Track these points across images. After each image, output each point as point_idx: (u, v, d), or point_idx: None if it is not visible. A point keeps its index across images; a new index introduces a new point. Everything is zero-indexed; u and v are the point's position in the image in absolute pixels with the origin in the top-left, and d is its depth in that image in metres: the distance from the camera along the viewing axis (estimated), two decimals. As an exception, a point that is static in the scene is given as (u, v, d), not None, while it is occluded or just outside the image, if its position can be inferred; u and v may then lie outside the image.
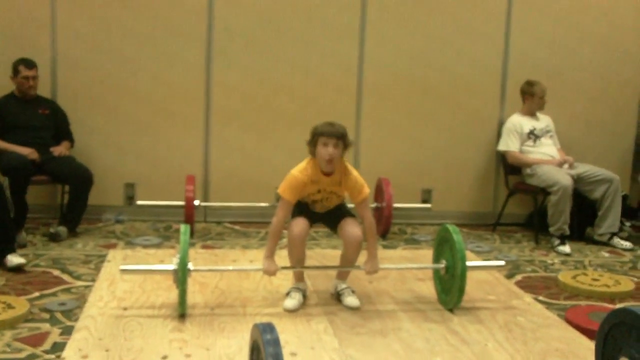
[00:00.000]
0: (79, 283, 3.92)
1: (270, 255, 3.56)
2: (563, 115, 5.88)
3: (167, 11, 5.49)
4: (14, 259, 4.05)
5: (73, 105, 5.43)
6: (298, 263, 3.66)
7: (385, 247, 5.04)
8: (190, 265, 3.42)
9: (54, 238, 4.80)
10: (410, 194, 5.77)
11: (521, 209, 5.93)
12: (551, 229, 5.18)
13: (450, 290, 3.65)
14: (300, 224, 3.57)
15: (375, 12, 5.68)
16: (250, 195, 5.51)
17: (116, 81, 5.50)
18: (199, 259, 4.38)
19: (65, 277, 4.03)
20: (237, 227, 5.52)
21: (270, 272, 3.58)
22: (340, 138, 3.48)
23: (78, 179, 4.95)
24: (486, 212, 5.99)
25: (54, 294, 3.72)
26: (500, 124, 5.85)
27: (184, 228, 3.48)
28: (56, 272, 4.10)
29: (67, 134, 5.32)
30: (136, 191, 5.57)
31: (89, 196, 5.00)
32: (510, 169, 5.70)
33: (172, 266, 3.41)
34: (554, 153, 5.54)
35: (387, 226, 5.28)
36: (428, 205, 5.70)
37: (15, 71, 5.04)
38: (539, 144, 5.55)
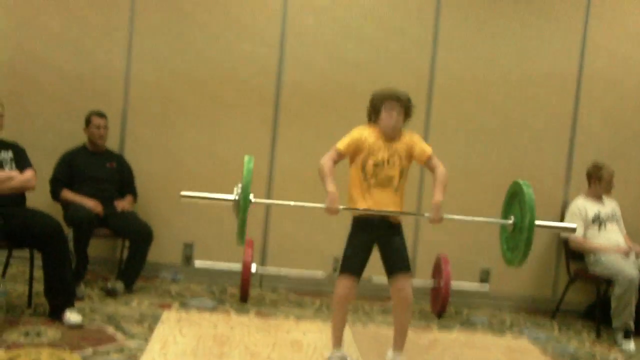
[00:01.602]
0: (132, 343, 3.92)
1: (333, 189, 3.48)
2: (629, 199, 5.76)
3: (236, 68, 5.60)
4: (71, 317, 4.08)
5: (139, 159, 5.55)
6: (340, 325, 3.65)
7: (440, 327, 4.93)
8: (252, 197, 3.49)
9: (111, 293, 4.84)
10: (468, 273, 5.68)
11: (582, 297, 5.76)
12: (615, 323, 4.98)
13: (517, 245, 3.56)
14: (346, 284, 3.55)
15: (441, 88, 5.71)
16: (307, 262, 5.49)
17: (182, 136, 5.60)
18: (252, 327, 4.37)
19: (119, 335, 4.03)
20: (292, 295, 5.49)
21: (332, 211, 3.50)
22: (406, 103, 3.51)
23: (138, 236, 5.01)
24: (545, 298, 5.84)
25: (106, 352, 3.72)
26: (564, 205, 5.74)
27: (247, 158, 3.54)
28: (110, 330, 4.11)
29: (131, 189, 5.42)
30: (194, 251, 5.61)
31: (147, 253, 5.05)
32: (573, 255, 5.55)
33: (233, 196, 3.50)
34: (620, 240, 5.39)
35: (443, 306, 5.18)
36: (486, 288, 5.58)
37: (88, 121, 5.21)
38: (603, 230, 5.41)
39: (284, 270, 5.31)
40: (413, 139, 3.62)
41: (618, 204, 5.59)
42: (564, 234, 5.50)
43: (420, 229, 5.72)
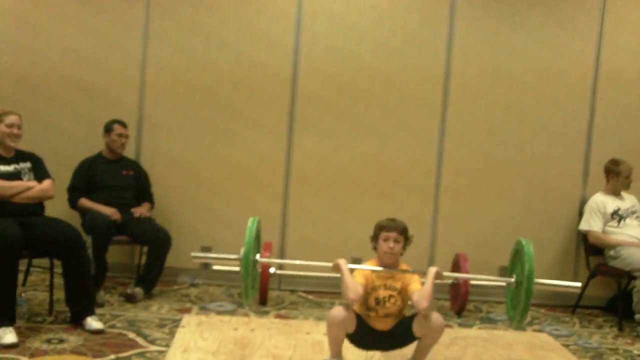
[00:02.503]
0: (153, 348, 3.93)
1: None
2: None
3: (250, 77, 5.61)
4: (92, 323, 4.11)
5: (155, 166, 5.57)
6: (337, 341, 3.56)
7: (460, 325, 4.92)
8: (258, 257, 3.59)
9: (130, 299, 4.86)
10: (487, 271, 5.62)
11: (603, 291, 5.73)
12: (637, 317, 4.95)
13: (518, 303, 3.56)
14: (343, 312, 3.47)
15: (457, 87, 5.69)
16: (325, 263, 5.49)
17: (197, 144, 5.62)
18: (272, 329, 4.37)
19: (140, 340, 4.04)
20: (310, 296, 5.49)
21: (336, 265, 3.58)
22: (402, 233, 3.56)
23: (156, 241, 5.01)
24: (565, 293, 5.78)
25: (128, 358, 3.73)
26: (582, 202, 5.71)
27: (251, 220, 3.62)
28: (131, 335, 4.13)
29: (148, 196, 5.44)
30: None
31: (166, 258, 5.06)
32: (592, 250, 5.52)
33: (238, 256, 3.56)
34: (640, 235, 5.36)
35: (463, 303, 5.16)
36: (504, 283, 5.54)
37: (109, 129, 5.23)
38: (623, 225, 5.38)
39: (303, 272, 5.31)
40: (412, 279, 3.58)
41: (638, 199, 5.56)
42: (582, 227, 5.46)
43: (438, 227, 5.70)
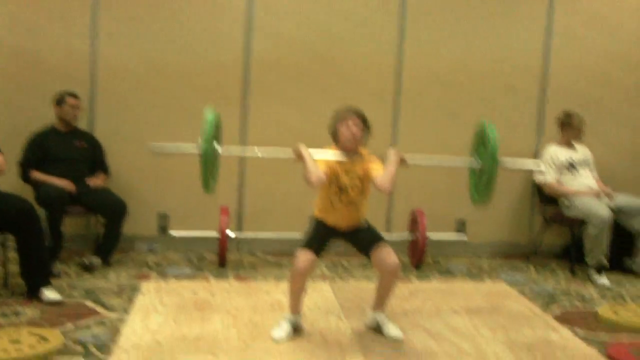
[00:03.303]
0: (113, 315, 3.91)
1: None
2: (602, 145, 5.85)
3: (204, 48, 5.53)
4: (49, 294, 4.06)
5: (109, 136, 5.46)
6: (298, 295, 3.59)
7: (419, 278, 4.98)
8: (218, 148, 3.62)
9: (88, 268, 4.82)
10: (444, 224, 5.72)
11: (557, 239, 5.84)
12: (589, 261, 5.07)
13: (482, 182, 3.62)
14: (306, 257, 3.47)
15: (410, 77, 5.73)
16: (284, 222, 5.50)
17: (152, 113, 5.53)
18: (232, 291, 4.38)
19: (99, 308, 4.01)
20: (269, 257, 5.50)
21: (297, 151, 3.52)
22: (361, 118, 3.56)
23: (112, 211, 4.97)
24: (521, 243, 5.92)
25: (87, 327, 3.70)
26: (536, 154, 5.79)
27: (209, 112, 3.63)
28: (90, 304, 4.09)
29: (102, 166, 5.36)
30: (169, 221, 5.59)
31: (123, 227, 5.02)
32: (547, 199, 5.61)
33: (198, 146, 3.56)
34: (592, 184, 5.45)
35: (421, 257, 5.23)
36: (464, 237, 5.63)
37: (61, 101, 5.12)
38: (576, 175, 5.46)
39: (261, 234, 5.31)
40: (370, 160, 3.59)
41: (590, 149, 5.65)
42: (538, 178, 5.53)
43: (395, 185, 5.71)
